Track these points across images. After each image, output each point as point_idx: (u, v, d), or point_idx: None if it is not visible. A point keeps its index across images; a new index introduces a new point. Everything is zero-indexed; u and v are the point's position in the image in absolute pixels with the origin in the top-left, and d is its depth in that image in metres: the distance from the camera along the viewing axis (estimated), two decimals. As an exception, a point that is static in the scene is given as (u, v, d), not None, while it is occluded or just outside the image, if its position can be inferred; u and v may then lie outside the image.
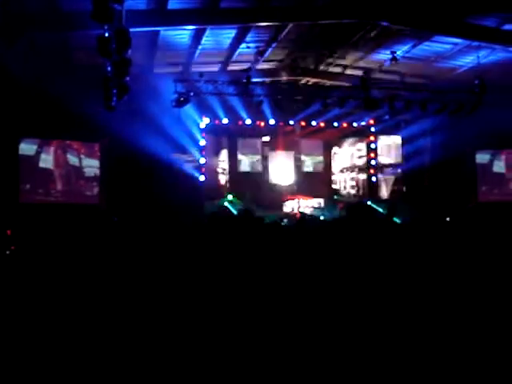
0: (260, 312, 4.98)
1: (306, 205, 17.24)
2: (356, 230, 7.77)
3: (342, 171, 20.35)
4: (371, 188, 19.04)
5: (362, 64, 15.63)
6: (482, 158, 17.54)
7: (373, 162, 19.11)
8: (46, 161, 15.05)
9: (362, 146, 19.60)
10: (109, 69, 9.30)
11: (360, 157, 19.74)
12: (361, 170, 19.60)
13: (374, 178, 19.11)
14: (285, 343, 4.36)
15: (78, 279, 6.34)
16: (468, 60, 14.68)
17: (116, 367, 4.04)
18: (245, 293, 5.44)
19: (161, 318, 4.94)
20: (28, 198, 14.53)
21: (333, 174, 20.54)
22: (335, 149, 20.57)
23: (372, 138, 19.14)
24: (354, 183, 19.97)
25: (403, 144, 18.27)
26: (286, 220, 14.60)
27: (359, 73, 15.55)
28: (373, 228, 8.13)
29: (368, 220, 9.16)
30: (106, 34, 8.02)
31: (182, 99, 13.70)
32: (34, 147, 14.92)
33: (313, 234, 8.35)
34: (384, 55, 14.47)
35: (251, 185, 18.12)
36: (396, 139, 18.84)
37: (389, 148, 19.36)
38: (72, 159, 15.35)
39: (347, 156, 20.29)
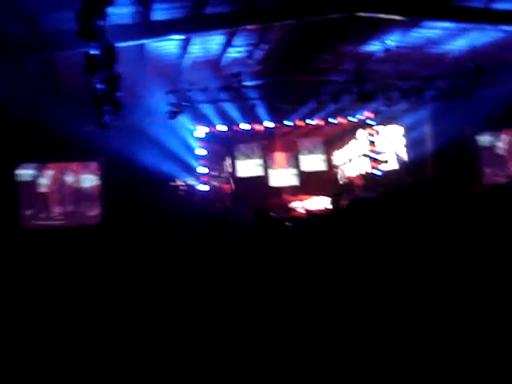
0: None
1: (312, 204, 17.08)
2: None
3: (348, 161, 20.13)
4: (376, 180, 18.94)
5: (353, 57, 15.47)
6: (483, 140, 17.42)
7: (374, 155, 19.01)
8: (45, 185, 14.96)
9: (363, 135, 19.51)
10: (98, 86, 9.19)
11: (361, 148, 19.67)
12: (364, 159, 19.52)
13: (376, 171, 19.04)
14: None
15: (86, 301, 6.30)
16: (460, 43, 14.50)
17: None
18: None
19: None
20: (29, 224, 14.44)
21: (337, 169, 20.38)
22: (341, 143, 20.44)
23: (371, 131, 19.04)
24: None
25: (404, 134, 18.18)
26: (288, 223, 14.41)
27: (351, 66, 15.39)
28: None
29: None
30: (93, 52, 7.92)
31: (175, 110, 13.61)
32: (32, 172, 14.87)
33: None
34: (375, 46, 14.32)
35: (253, 189, 18.01)
36: (397, 129, 18.74)
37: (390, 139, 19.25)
38: (71, 180, 15.25)
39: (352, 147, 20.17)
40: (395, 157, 19.18)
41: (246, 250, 6.81)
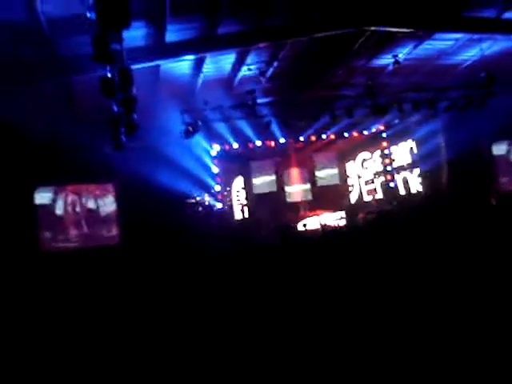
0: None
1: (328, 218, 17.06)
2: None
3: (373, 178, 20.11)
4: (390, 193, 18.92)
5: (364, 71, 15.51)
6: (498, 149, 17.32)
7: (388, 168, 19.02)
8: (63, 207, 15.08)
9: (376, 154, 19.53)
10: (115, 108, 9.30)
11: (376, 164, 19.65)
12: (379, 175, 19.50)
13: (392, 184, 19.04)
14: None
15: (104, 319, 6.33)
16: (471, 53, 14.52)
17: None
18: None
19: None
20: (48, 246, 14.54)
21: (351, 183, 20.37)
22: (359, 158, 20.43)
23: (385, 144, 19.07)
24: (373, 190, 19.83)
25: (417, 146, 18.14)
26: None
27: (363, 80, 15.42)
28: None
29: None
30: (109, 75, 8.02)
31: (190, 129, 13.71)
32: (50, 195, 15.00)
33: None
34: (386, 59, 14.36)
35: (268, 205, 18.03)
36: (409, 144, 18.71)
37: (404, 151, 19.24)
38: (88, 202, 15.37)
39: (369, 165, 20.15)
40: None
41: (271, 265, 6.83)
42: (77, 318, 6.90)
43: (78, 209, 15.28)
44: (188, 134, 13.80)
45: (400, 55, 13.79)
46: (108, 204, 15.46)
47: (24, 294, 9.01)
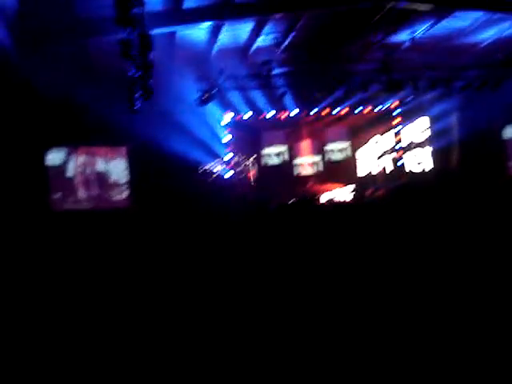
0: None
1: (338, 193, 17.14)
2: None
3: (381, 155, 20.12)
4: (400, 170, 18.96)
5: (381, 46, 15.42)
6: (510, 131, 17.26)
7: (400, 145, 19.03)
8: (74, 168, 15.20)
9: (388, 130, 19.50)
10: (132, 72, 9.35)
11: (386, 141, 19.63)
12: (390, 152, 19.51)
13: (400, 162, 19.08)
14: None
15: (114, 280, 6.39)
16: (489, 34, 14.42)
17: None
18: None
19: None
20: (59, 207, 14.68)
21: (360, 159, 20.38)
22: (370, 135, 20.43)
23: (397, 121, 19.05)
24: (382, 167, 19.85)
25: (430, 124, 18.11)
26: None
27: (379, 56, 15.36)
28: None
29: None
30: (128, 38, 8.07)
31: (205, 97, 13.73)
32: (62, 156, 15.08)
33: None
34: (403, 36, 14.29)
35: (278, 178, 18.12)
36: (421, 121, 18.67)
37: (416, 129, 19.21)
38: (99, 165, 15.48)
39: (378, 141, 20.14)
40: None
41: (284, 232, 6.91)
42: (86, 278, 6.99)
43: (89, 171, 15.39)
44: (203, 102, 13.84)
45: (418, 32, 13.71)
46: (119, 167, 15.56)
47: (35, 254, 9.15)
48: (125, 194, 15.52)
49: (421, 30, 13.75)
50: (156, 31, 10.43)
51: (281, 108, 16.95)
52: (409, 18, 13.19)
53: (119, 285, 6.48)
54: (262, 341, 4.35)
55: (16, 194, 12.87)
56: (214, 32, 13.00)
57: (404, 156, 19.14)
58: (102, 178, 15.48)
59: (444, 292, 4.97)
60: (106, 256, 8.46)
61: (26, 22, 10.40)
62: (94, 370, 4.11)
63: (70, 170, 15.20)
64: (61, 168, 15.04)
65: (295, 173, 19.29)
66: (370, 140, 20.14)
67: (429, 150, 18.46)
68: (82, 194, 15.22)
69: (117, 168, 15.57)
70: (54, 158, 14.93)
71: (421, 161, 18.87)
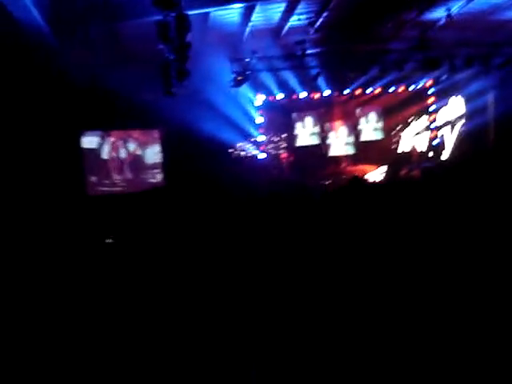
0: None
1: (373, 174, 17.02)
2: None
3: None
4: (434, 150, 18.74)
5: (415, 24, 15.15)
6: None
7: (434, 124, 18.80)
8: (108, 152, 15.35)
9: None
10: (168, 55, 9.34)
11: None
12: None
13: (435, 141, 18.87)
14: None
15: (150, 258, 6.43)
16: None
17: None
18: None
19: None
20: (95, 190, 14.87)
21: (395, 138, 20.13)
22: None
23: (431, 100, 18.80)
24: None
25: (465, 103, 17.82)
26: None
27: (413, 34, 15.10)
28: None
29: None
30: (166, 20, 8.06)
31: (239, 78, 13.70)
32: (96, 140, 15.25)
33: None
34: (438, 13, 13.99)
35: (311, 158, 18.06)
36: (456, 100, 18.37)
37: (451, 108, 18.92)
38: (133, 148, 15.60)
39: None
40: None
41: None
42: (121, 260, 7.06)
43: (122, 154, 15.53)
44: (236, 83, 13.83)
45: (454, 8, 13.42)
46: (153, 150, 15.68)
47: (71, 237, 9.28)
48: (159, 177, 15.63)
49: (456, 6, 13.44)
50: (190, 13, 10.39)
51: (313, 88, 16.85)
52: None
53: (153, 266, 6.54)
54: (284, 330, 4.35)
55: (53, 177, 13.06)
56: (247, 13, 12.93)
57: (439, 135, 18.89)
58: (135, 162, 15.62)
59: (478, 280, 4.83)
60: (141, 238, 8.55)
61: (62, 6, 10.44)
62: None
63: (105, 153, 15.36)
64: (96, 151, 15.21)
65: (328, 153, 19.16)
66: (404, 120, 19.85)
67: (464, 129, 18.17)
68: (116, 177, 15.37)
69: (150, 151, 15.67)
70: (89, 141, 15.11)
71: (455, 140, 18.59)
